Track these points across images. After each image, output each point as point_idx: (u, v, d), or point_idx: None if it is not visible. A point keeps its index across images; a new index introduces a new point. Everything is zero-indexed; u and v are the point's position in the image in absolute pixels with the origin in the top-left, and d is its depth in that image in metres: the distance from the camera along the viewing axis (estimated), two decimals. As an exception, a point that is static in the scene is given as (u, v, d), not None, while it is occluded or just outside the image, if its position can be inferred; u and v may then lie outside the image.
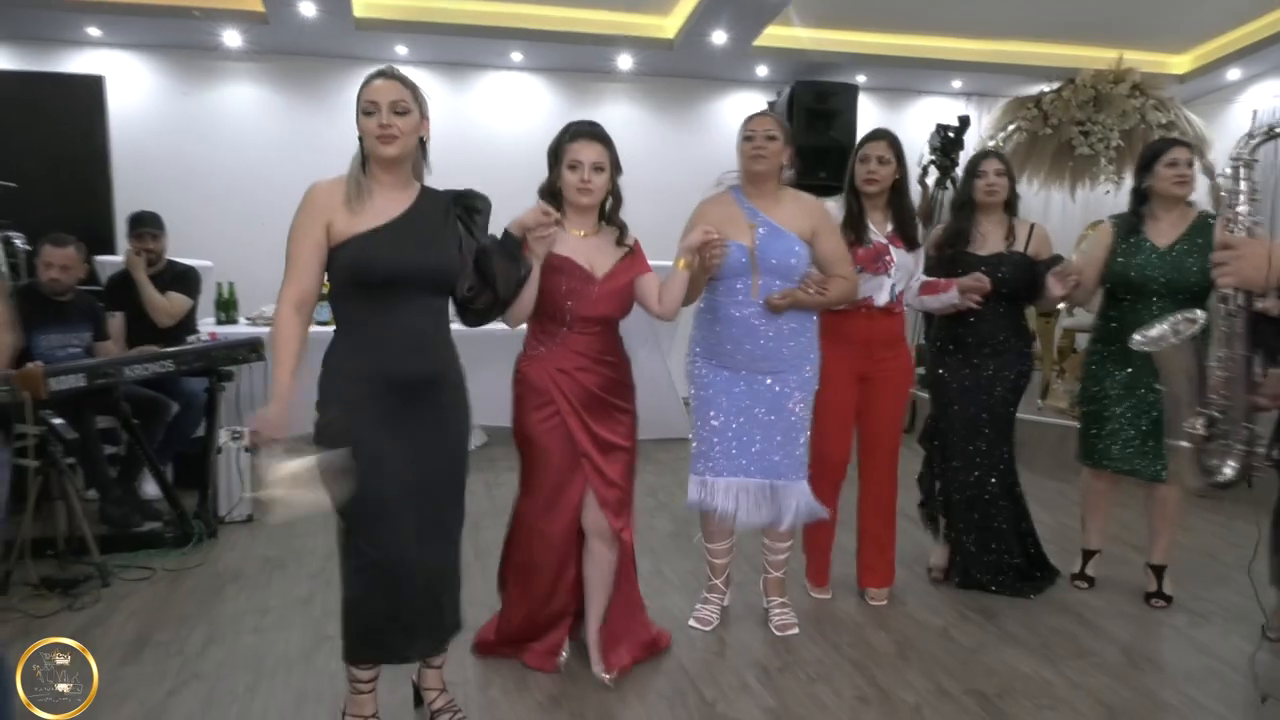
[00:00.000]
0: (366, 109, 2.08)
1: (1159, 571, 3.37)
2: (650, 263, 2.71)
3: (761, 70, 7.03)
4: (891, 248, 3.07)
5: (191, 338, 4.45)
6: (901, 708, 2.59)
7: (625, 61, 6.77)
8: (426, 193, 2.21)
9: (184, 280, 4.52)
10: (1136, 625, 3.17)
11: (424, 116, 2.15)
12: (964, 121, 6.76)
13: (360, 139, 2.13)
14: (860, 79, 7.07)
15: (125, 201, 6.05)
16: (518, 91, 6.99)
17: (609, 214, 2.64)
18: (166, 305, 4.34)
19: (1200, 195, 7.06)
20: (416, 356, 2.13)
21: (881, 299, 3.07)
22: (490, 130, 6.82)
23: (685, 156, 6.81)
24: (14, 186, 5.19)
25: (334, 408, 2.10)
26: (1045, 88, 6.97)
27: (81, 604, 3.21)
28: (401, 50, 6.53)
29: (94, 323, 4.13)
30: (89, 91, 6.06)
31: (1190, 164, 3.16)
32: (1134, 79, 6.76)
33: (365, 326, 2.11)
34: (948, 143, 6.61)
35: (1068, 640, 3.04)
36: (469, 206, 2.23)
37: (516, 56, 6.73)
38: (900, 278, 3.10)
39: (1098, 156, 6.82)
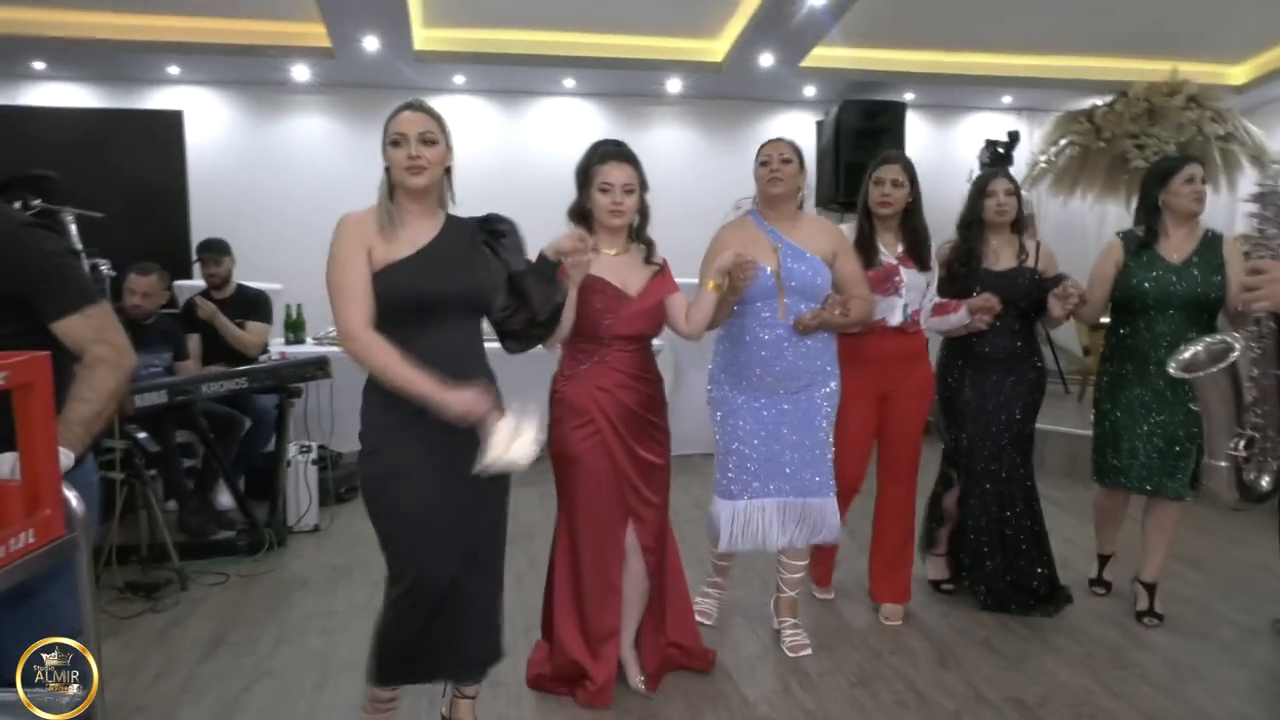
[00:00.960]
0: (395, 140, 2.12)
1: (1151, 590, 3.35)
2: (694, 281, 2.78)
3: (809, 90, 7.12)
4: (902, 268, 3.10)
5: (263, 357, 4.70)
6: (940, 713, 2.65)
7: (675, 85, 6.92)
8: (452, 220, 2.25)
9: (255, 305, 4.79)
10: (1182, 638, 3.16)
11: (449, 147, 2.19)
12: (1013, 137, 6.76)
13: (387, 169, 2.16)
14: (908, 96, 7.11)
15: (201, 229, 6.37)
16: (570, 116, 7.19)
17: (637, 231, 2.68)
18: (250, 338, 4.61)
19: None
20: (452, 379, 2.10)
21: (894, 319, 3.10)
22: (544, 154, 7.02)
23: (735, 177, 6.78)
24: (101, 216, 5.54)
25: (375, 436, 2.15)
26: (1098, 101, 6.94)
27: (162, 606, 3.43)
28: (459, 80, 6.79)
29: (173, 345, 4.39)
30: (168, 126, 6.44)
31: (1204, 180, 3.18)
32: (1189, 91, 6.68)
33: (401, 352, 2.09)
34: (997, 158, 6.62)
35: (1111, 652, 3.06)
36: (493, 230, 2.28)
37: (569, 83, 6.93)
38: (913, 298, 3.13)
39: (1153, 169, 6.74)
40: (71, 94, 6.62)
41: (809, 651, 3.03)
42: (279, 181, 6.82)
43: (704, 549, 3.40)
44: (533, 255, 2.36)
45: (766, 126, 7.40)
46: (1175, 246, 3.19)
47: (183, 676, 2.87)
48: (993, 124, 7.49)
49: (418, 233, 2.16)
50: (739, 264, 2.56)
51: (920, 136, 7.43)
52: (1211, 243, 3.18)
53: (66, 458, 1.61)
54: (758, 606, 3.36)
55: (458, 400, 2.01)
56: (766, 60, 6.33)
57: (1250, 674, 2.91)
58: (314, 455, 4.47)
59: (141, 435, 3.67)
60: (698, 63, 6.56)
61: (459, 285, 2.16)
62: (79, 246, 5.45)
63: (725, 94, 7.08)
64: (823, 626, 3.25)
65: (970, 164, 7.03)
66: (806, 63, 6.48)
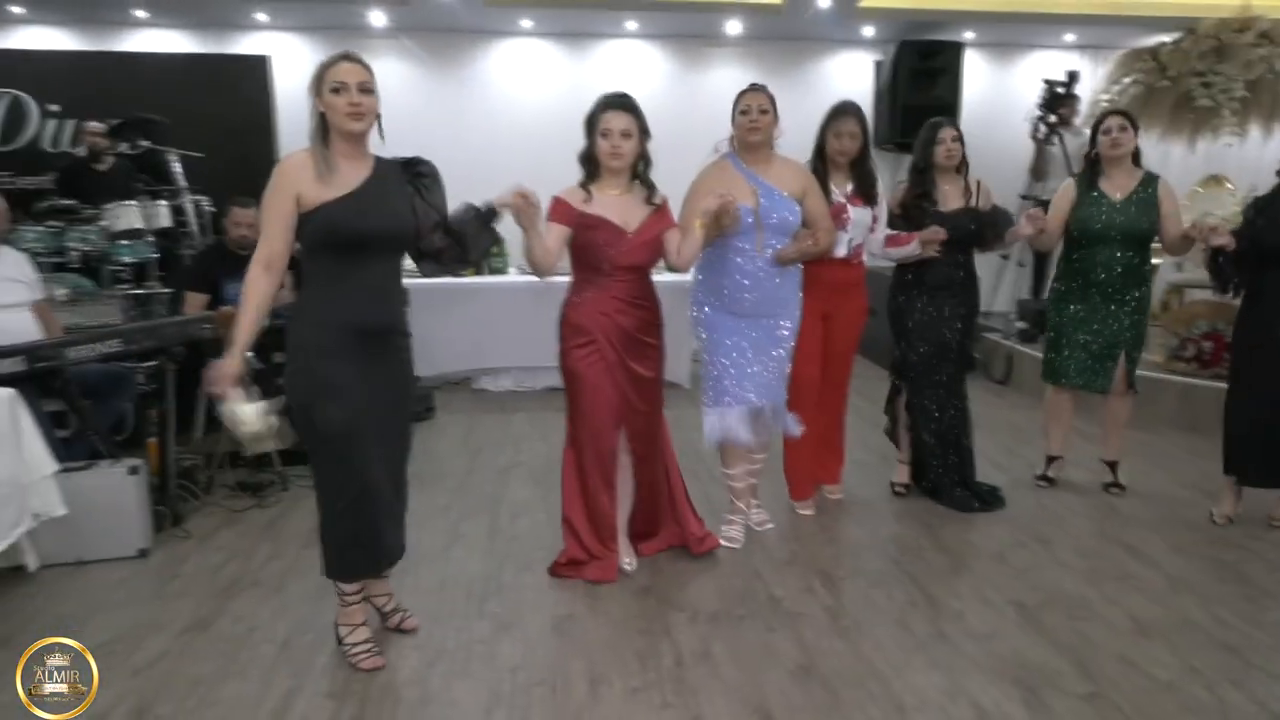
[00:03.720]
0: (335, 88, 2.28)
1: (1114, 466, 4.12)
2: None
3: (867, 30, 7.20)
4: (850, 206, 3.52)
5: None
6: (946, 611, 2.98)
7: (734, 27, 7.08)
8: (381, 162, 2.43)
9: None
10: (1185, 558, 3.40)
11: (378, 96, 2.38)
12: (1072, 76, 6.74)
13: (321, 114, 2.32)
14: (967, 35, 7.14)
15: (288, 168, 6.82)
16: (633, 58, 7.41)
17: (640, 174, 2.99)
18: None
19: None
20: (378, 307, 2.41)
21: (840, 251, 3.52)
22: (607, 95, 7.28)
23: (793, 117, 6.98)
24: (201, 157, 6.01)
25: (303, 353, 2.37)
26: (1164, 39, 6.85)
27: (268, 503, 3.93)
28: (527, 23, 7.05)
29: (270, 274, 4.84)
30: (257, 70, 6.88)
31: (1123, 128, 3.74)
32: (1260, 27, 6.56)
33: (333, 282, 2.34)
34: (1055, 98, 6.62)
35: (1115, 566, 3.33)
36: (418, 173, 2.51)
37: (631, 25, 7.14)
38: (857, 233, 3.56)
39: (1220, 108, 6.66)
40: (169, 39, 7.09)
41: (772, 525, 3.63)
42: (358, 122, 7.22)
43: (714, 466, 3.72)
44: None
45: (825, 66, 7.52)
46: (1117, 185, 3.80)
47: (289, 559, 3.36)
48: (1054, 62, 7.46)
49: (350, 174, 2.35)
50: (723, 207, 2.88)
51: (979, 77, 7.46)
52: (1148, 182, 3.79)
53: None
54: (783, 524, 3.72)
55: (219, 367, 2.30)
56: (824, 1, 6.43)
57: (1242, 588, 3.15)
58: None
59: (248, 354, 4.12)
60: (757, 4, 6.69)
61: (387, 224, 2.37)
62: (183, 184, 5.97)
63: (784, 35, 7.21)
64: (846, 536, 3.60)
65: (1029, 104, 7.05)
66: (865, 2, 6.56)
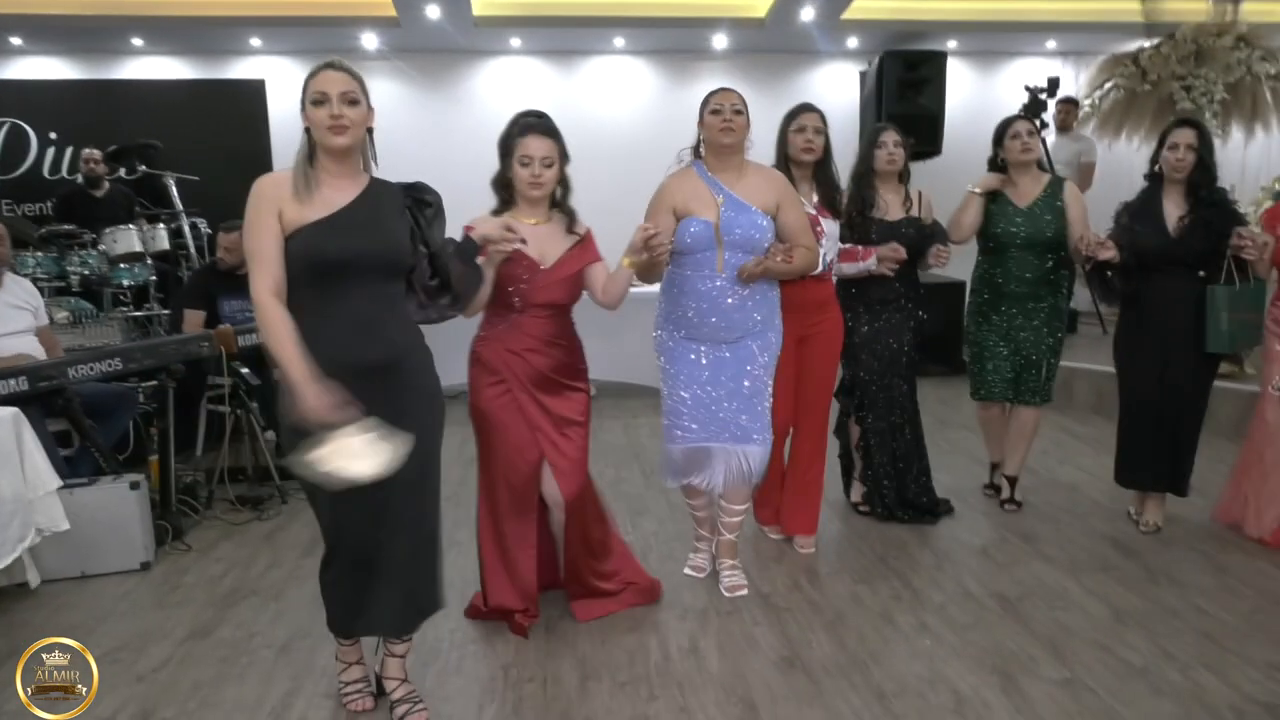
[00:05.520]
0: (316, 99, 2.05)
1: (1013, 482, 3.95)
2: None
3: (851, 42, 7.32)
4: (821, 218, 3.23)
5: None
6: (929, 604, 3.05)
7: (720, 41, 7.20)
8: (376, 183, 2.20)
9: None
10: (1169, 551, 3.47)
11: (370, 108, 2.14)
12: (1053, 83, 6.86)
13: (306, 130, 2.10)
14: (950, 45, 7.25)
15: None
16: (622, 74, 7.53)
17: (559, 202, 2.72)
18: None
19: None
20: (368, 342, 2.12)
21: (817, 268, 3.17)
22: (597, 111, 7.39)
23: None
24: (197, 180, 6.13)
25: (286, 395, 2.08)
26: (1145, 44, 6.97)
27: (267, 516, 4.01)
28: (515, 42, 7.17)
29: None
30: (252, 94, 7.01)
31: (1031, 133, 3.62)
32: (1238, 31, 6.68)
33: (317, 314, 2.09)
34: (1036, 103, 6.73)
35: (1098, 559, 3.40)
36: (419, 199, 2.26)
37: (619, 41, 7.26)
38: (830, 247, 3.28)
39: (1201, 111, 6.77)
40: (165, 66, 7.23)
41: (745, 591, 3.14)
42: (352, 143, 7.35)
43: (636, 489, 3.77)
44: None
45: (810, 79, 7.64)
46: (1023, 193, 3.65)
47: (288, 568, 3.43)
48: (1037, 69, 7.58)
49: (335, 195, 2.12)
50: (646, 239, 2.56)
51: (963, 85, 7.58)
52: (1053, 187, 3.64)
53: None
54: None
55: (312, 397, 1.96)
56: (807, 14, 6.56)
57: (1222, 579, 3.21)
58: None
59: (245, 371, 4.22)
60: (741, 18, 6.82)
61: (371, 248, 2.11)
62: (180, 207, 6.08)
63: (769, 48, 7.34)
64: (833, 534, 3.67)
65: (1013, 111, 7.15)
66: (847, 15, 6.69)
